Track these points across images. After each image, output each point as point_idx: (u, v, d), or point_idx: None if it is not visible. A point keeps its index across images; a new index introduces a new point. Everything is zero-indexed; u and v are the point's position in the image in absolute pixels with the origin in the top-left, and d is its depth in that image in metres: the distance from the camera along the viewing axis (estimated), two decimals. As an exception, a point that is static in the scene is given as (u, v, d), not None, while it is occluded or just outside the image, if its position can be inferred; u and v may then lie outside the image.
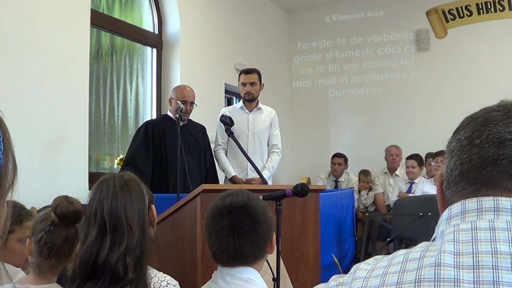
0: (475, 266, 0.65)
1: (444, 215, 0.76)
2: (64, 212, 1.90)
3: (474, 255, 0.66)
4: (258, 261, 1.85)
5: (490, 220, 0.70)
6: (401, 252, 0.73)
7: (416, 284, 0.66)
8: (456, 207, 0.75)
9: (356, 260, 5.55)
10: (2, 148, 0.61)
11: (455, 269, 0.66)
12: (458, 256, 0.67)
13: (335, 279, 0.77)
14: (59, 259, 1.90)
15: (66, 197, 1.96)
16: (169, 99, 4.40)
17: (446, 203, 0.80)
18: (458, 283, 0.65)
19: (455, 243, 0.69)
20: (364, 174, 7.09)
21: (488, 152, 0.74)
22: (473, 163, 0.76)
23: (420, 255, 0.70)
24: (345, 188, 6.67)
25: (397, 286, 0.67)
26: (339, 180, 7.01)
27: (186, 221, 2.61)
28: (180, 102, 4.19)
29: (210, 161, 4.55)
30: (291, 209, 2.89)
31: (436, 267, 0.66)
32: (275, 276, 2.27)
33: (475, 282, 0.64)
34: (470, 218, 0.72)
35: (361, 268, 0.74)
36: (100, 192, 1.75)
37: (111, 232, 1.69)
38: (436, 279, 0.66)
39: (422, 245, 0.73)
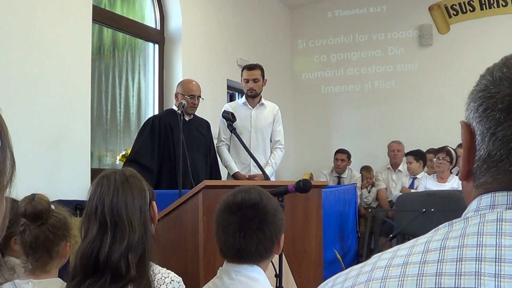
0: (497, 259, 0.65)
1: (473, 205, 0.75)
2: (26, 213, 1.90)
3: (497, 248, 0.66)
4: (263, 260, 1.85)
5: None
6: (422, 240, 0.72)
7: (437, 277, 0.66)
8: (485, 199, 0.74)
9: (359, 256, 5.55)
10: (0, 144, 0.60)
11: (477, 262, 0.65)
12: (480, 248, 0.67)
13: (354, 269, 0.76)
14: (37, 258, 1.91)
15: (32, 196, 1.94)
16: (175, 94, 4.36)
17: (477, 187, 0.77)
18: (479, 277, 0.64)
19: (479, 236, 0.68)
20: (366, 170, 7.09)
21: None
22: None
23: (441, 244, 0.70)
24: (348, 184, 6.67)
25: (418, 277, 0.67)
26: (342, 176, 7.00)
27: (189, 217, 2.61)
28: (188, 97, 4.19)
29: (213, 157, 4.54)
30: (293, 205, 2.88)
31: (458, 262, 0.66)
32: (278, 272, 2.27)
33: (497, 275, 0.64)
34: (498, 210, 0.71)
35: (383, 258, 0.73)
36: (101, 187, 1.72)
37: (112, 229, 1.68)
38: (457, 273, 0.65)
39: (443, 231, 0.72)
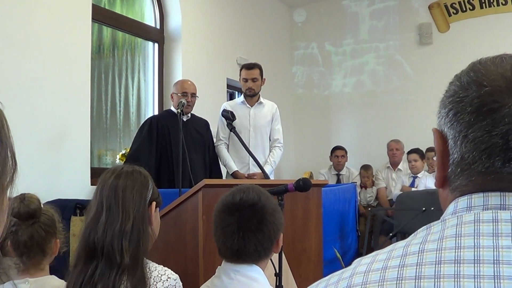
0: (476, 261, 0.65)
1: (450, 208, 0.76)
2: (19, 213, 1.92)
3: (475, 249, 0.66)
4: (262, 259, 1.84)
5: (493, 211, 0.70)
6: (400, 244, 0.73)
7: (417, 280, 0.66)
8: (462, 201, 0.74)
9: (359, 255, 5.55)
10: (1, 143, 0.60)
11: (455, 264, 0.66)
12: (458, 250, 0.67)
13: (334, 275, 0.77)
14: (31, 256, 1.94)
15: (22, 196, 1.96)
16: (171, 94, 4.41)
17: (452, 191, 0.77)
18: (458, 279, 0.65)
19: (457, 238, 0.69)
20: (365, 169, 7.08)
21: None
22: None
23: (419, 248, 0.70)
24: (347, 182, 6.67)
25: (398, 281, 0.67)
26: (341, 173, 7.01)
27: (188, 216, 2.61)
28: (181, 95, 4.20)
29: (213, 156, 4.55)
30: (293, 204, 2.88)
31: (436, 265, 0.67)
32: (277, 271, 2.26)
33: (476, 276, 0.64)
34: (475, 211, 0.72)
35: (362, 263, 0.74)
36: (106, 173, 1.83)
37: (107, 211, 1.75)
38: (436, 275, 0.66)
39: (421, 235, 0.73)
